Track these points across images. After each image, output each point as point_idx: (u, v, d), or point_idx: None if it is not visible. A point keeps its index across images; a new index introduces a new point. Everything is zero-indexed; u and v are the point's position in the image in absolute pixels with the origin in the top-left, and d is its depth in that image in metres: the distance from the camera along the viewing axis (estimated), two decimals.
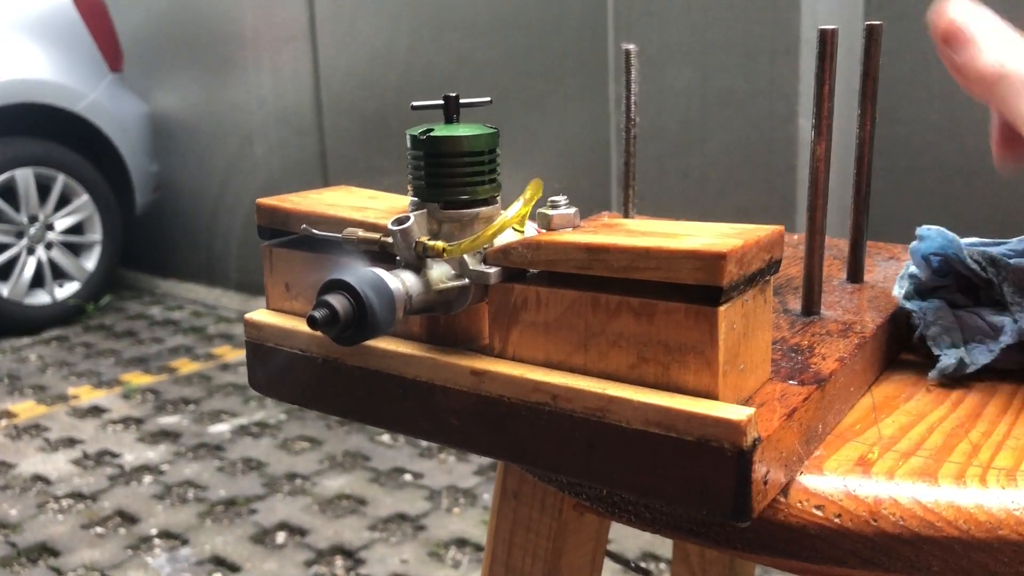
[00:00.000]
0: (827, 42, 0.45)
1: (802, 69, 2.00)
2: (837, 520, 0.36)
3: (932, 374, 0.44)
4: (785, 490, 0.36)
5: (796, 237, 0.63)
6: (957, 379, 0.44)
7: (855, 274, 0.53)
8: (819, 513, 0.36)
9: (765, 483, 0.34)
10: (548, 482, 0.43)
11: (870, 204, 0.52)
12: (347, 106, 3.14)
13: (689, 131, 2.22)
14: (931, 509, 0.35)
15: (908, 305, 0.47)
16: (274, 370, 0.45)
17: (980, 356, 0.44)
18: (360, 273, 0.35)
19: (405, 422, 0.41)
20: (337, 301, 0.35)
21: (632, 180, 0.60)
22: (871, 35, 0.49)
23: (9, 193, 3.20)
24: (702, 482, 0.34)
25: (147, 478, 2.15)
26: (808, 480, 0.37)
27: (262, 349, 0.46)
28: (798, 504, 0.36)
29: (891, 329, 0.47)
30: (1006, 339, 0.43)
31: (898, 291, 0.47)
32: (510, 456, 0.39)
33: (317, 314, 0.34)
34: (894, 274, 0.54)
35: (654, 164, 2.24)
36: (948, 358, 0.44)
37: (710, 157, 2.20)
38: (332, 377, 0.43)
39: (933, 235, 0.46)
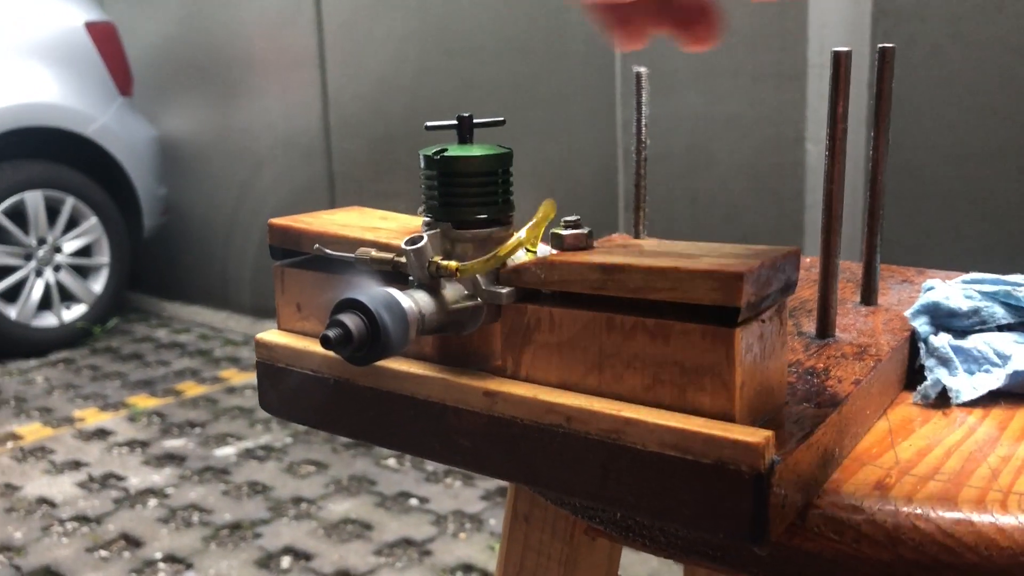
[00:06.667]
0: (841, 64, 0.44)
1: (809, 94, 2.01)
2: (855, 545, 0.35)
3: (915, 397, 0.44)
4: (802, 514, 0.36)
5: (808, 260, 0.62)
6: (962, 404, 0.44)
7: (869, 297, 0.53)
8: (837, 538, 0.35)
9: (783, 507, 0.34)
10: (561, 505, 0.43)
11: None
12: (355, 131, 3.15)
13: (696, 156, 2.22)
14: (951, 534, 0.34)
15: (916, 327, 0.47)
16: (285, 391, 0.45)
17: (982, 383, 0.44)
18: (373, 293, 0.35)
19: (417, 443, 0.41)
20: (351, 321, 0.34)
21: (643, 202, 0.60)
22: (884, 57, 0.49)
23: (18, 215, 3.21)
24: (719, 505, 0.33)
25: (152, 501, 2.14)
26: (826, 504, 0.36)
27: (273, 370, 0.45)
28: (815, 528, 0.36)
29: (906, 352, 0.47)
30: (1007, 372, 0.44)
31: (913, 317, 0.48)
32: (522, 478, 0.38)
33: (331, 334, 0.34)
34: (908, 297, 0.54)
35: (662, 189, 2.24)
36: (930, 382, 0.44)
37: (717, 182, 2.20)
38: (344, 398, 0.43)
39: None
